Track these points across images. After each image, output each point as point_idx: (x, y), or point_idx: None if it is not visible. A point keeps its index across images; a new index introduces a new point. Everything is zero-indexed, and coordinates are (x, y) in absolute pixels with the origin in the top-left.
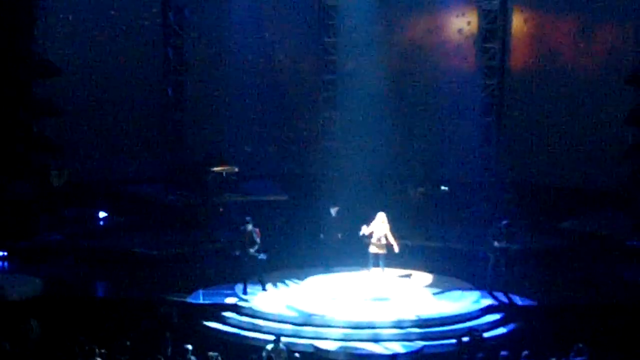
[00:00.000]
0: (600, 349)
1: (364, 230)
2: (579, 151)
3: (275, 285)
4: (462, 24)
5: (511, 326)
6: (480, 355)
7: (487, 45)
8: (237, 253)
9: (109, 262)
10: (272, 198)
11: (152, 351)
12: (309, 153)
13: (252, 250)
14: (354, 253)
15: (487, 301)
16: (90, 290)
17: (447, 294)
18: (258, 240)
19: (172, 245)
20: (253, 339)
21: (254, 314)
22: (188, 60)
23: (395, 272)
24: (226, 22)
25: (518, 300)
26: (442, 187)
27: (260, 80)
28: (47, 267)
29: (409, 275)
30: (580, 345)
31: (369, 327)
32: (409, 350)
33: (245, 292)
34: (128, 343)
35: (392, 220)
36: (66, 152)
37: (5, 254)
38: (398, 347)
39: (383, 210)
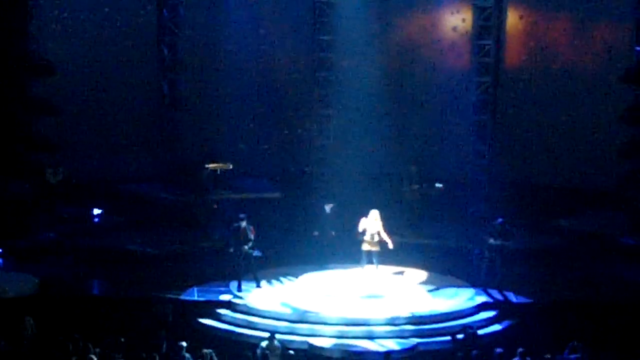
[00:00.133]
0: (596, 347)
1: (361, 226)
2: (576, 149)
3: (269, 282)
4: (457, 21)
5: (506, 323)
6: (475, 352)
7: (481, 42)
8: (231, 250)
9: (105, 260)
10: (266, 195)
11: (146, 348)
12: (304, 151)
13: (246, 248)
14: (348, 250)
15: (482, 298)
16: (86, 288)
17: (441, 291)
18: (252, 237)
19: (168, 243)
20: (248, 336)
21: (248, 311)
22: (183, 58)
23: (390, 270)
24: (221, 19)
25: (513, 297)
26: (437, 185)
27: (256, 78)
28: (44, 265)
29: (403, 273)
30: (576, 342)
31: (363, 325)
32: (403, 347)
33: (239, 289)
34: (122, 340)
35: (387, 218)
36: (61, 150)
37: (1, 251)
38: (392, 344)
39: (377, 208)
